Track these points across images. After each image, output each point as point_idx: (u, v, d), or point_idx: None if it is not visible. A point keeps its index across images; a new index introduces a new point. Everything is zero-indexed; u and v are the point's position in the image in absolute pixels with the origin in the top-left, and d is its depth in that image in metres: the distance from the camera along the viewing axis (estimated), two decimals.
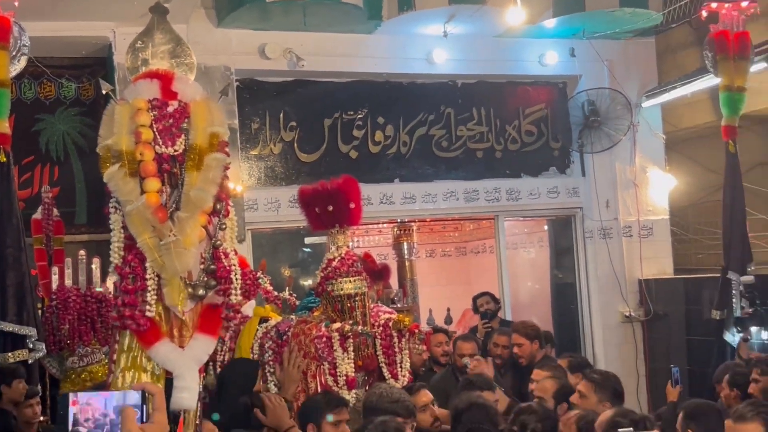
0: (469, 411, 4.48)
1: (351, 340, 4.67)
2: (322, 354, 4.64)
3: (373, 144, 8.84)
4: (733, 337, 6.90)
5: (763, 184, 9.73)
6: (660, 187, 9.59)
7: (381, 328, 4.86)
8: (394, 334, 4.83)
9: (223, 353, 4.77)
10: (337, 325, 4.72)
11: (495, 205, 9.31)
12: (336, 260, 4.86)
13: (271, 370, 4.73)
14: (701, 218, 10.61)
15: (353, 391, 4.66)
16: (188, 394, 3.52)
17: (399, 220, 10.16)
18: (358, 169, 8.21)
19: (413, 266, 10.52)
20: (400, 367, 4.87)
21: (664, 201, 9.65)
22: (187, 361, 3.55)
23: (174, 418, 3.58)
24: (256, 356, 4.78)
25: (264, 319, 4.95)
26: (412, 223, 10.45)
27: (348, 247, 4.94)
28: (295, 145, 8.58)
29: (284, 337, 4.75)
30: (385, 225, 11.22)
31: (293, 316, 5.03)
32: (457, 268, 13.06)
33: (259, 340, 4.80)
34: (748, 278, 6.97)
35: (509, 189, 9.32)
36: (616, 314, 9.38)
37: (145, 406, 1.85)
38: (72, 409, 1.81)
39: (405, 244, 10.41)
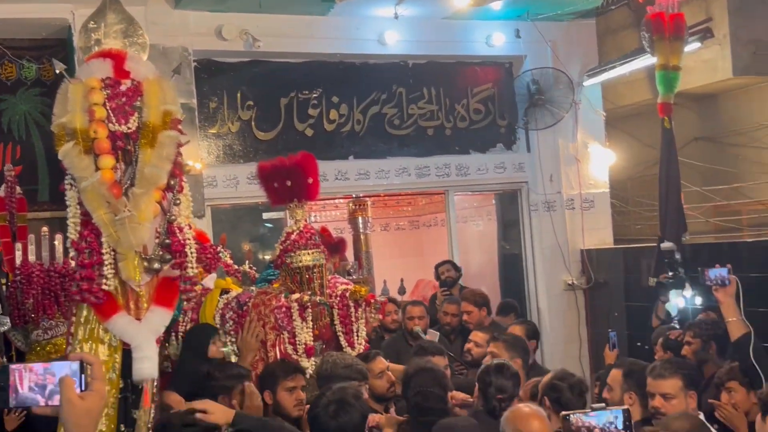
0: (418, 375, 4.53)
1: (309, 310, 4.69)
2: (282, 324, 4.66)
3: (328, 122, 8.81)
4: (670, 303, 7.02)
5: (697, 157, 9.91)
6: (600, 162, 9.69)
7: (338, 298, 4.92)
8: (351, 304, 4.89)
9: (185, 324, 4.77)
10: (296, 295, 4.74)
11: (445, 180, 9.33)
12: (294, 233, 4.91)
13: (232, 339, 4.72)
14: (639, 191, 10.76)
15: (312, 359, 4.70)
16: (149, 364, 3.52)
17: (354, 196, 10.16)
18: (314, 147, 8.17)
19: (368, 239, 10.53)
20: (357, 335, 4.93)
21: (604, 175, 9.74)
22: (144, 333, 3.55)
23: (136, 387, 3.60)
24: (217, 326, 4.76)
25: (225, 291, 4.94)
26: (367, 199, 10.46)
27: (306, 221, 5.00)
28: (253, 123, 8.53)
29: (245, 308, 4.74)
30: (341, 200, 11.25)
31: (253, 288, 5.02)
32: (411, 241, 13.11)
33: (220, 311, 4.78)
34: (668, 245, 7.08)
35: (458, 165, 9.35)
36: (559, 283, 9.49)
37: (83, 376, 1.84)
38: (12, 379, 1.80)
39: (360, 218, 10.39)
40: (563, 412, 3.07)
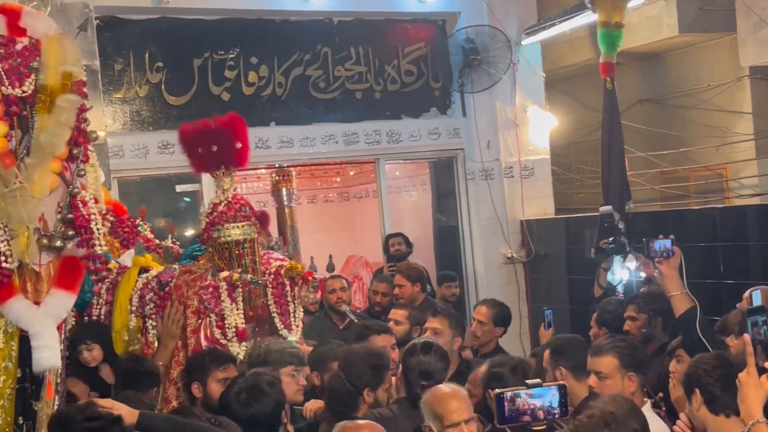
0: (345, 360, 4.52)
1: (240, 290, 4.60)
2: (209, 305, 4.57)
3: (247, 85, 8.67)
4: (612, 275, 7.13)
5: (642, 121, 10.06)
6: (540, 127, 9.73)
7: (272, 276, 4.76)
8: (287, 282, 4.75)
9: (99, 307, 4.68)
10: (225, 273, 4.62)
11: (375, 147, 9.28)
12: (222, 204, 4.75)
13: (153, 323, 4.66)
14: (582, 157, 10.91)
15: (243, 343, 4.60)
16: (49, 353, 3.40)
17: (277, 166, 10.08)
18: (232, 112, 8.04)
19: (293, 213, 10.48)
20: (294, 317, 4.80)
21: (544, 141, 9.79)
22: (43, 319, 3.41)
23: (36, 378, 3.51)
24: (135, 309, 4.68)
25: (144, 270, 4.83)
26: (291, 169, 10.39)
27: (235, 190, 4.84)
28: (163, 87, 8.34)
29: (166, 288, 4.66)
30: (263, 171, 11.14)
31: (176, 266, 4.92)
32: (340, 214, 13.09)
33: (138, 292, 4.69)
34: (606, 208, 7.18)
35: (389, 131, 9.31)
36: (498, 256, 9.55)
37: None
38: None
39: (284, 190, 10.35)
40: (496, 390, 3.04)
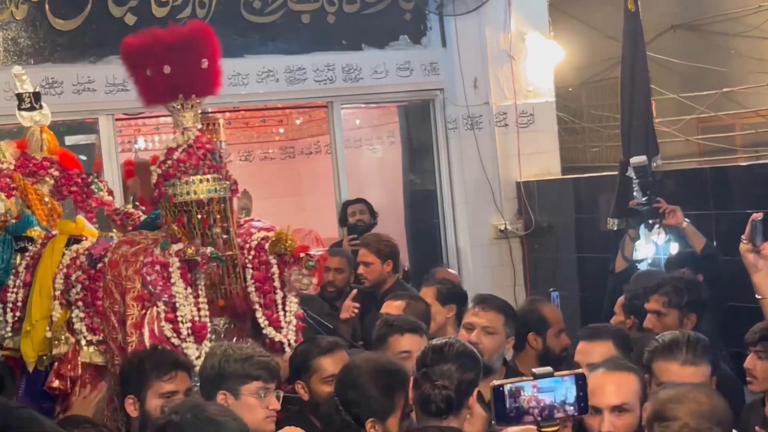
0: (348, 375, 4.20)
1: (200, 270, 4.30)
2: (154, 290, 4.32)
3: (158, 5, 8.59)
4: (635, 251, 7.13)
5: (674, 53, 10.02)
6: (543, 61, 9.71)
7: (253, 252, 4.49)
8: (273, 262, 4.45)
9: (15, 290, 4.62)
10: (178, 245, 4.32)
11: (328, 87, 9.25)
12: (180, 150, 4.42)
13: (80, 314, 4.49)
14: (596, 101, 10.88)
15: (203, 344, 4.34)
16: None
17: (199, 112, 9.96)
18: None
19: None
20: (283, 309, 4.52)
21: (548, 79, 9.78)
22: None
23: None
24: (60, 294, 4.53)
25: (75, 240, 4.63)
26: (218, 115, 10.28)
27: (198, 129, 4.53)
28: (47, 6, 8.24)
29: (99, 266, 4.46)
30: None
31: (113, 234, 4.71)
32: (284, 175, 13.12)
33: (64, 270, 4.54)
34: (640, 159, 7.16)
35: (347, 66, 9.28)
36: (487, 228, 9.55)
37: None
38: None
39: None
40: (494, 382, 3.02)
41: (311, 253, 4.44)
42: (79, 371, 4.54)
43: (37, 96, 5.53)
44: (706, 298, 5.62)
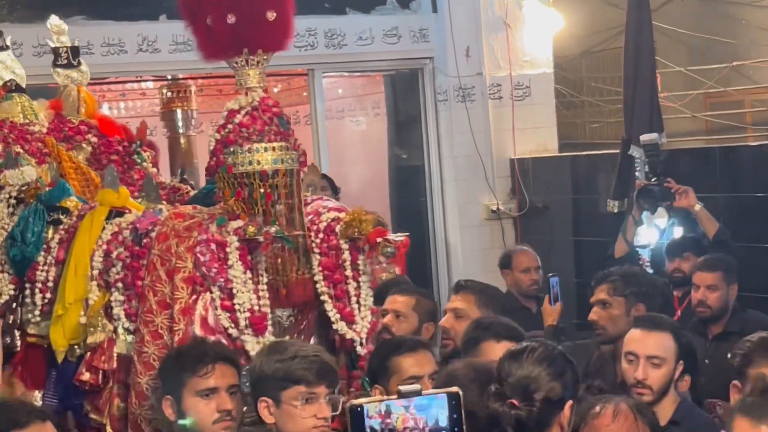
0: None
1: (262, 251, 4.00)
2: (208, 272, 4.01)
3: None
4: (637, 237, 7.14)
5: (681, 23, 10.01)
6: (541, 29, 9.71)
7: (322, 234, 4.19)
8: (344, 247, 4.14)
9: (46, 268, 4.36)
10: (238, 222, 4.01)
11: (309, 54, 9.24)
12: (243, 113, 4.24)
13: (120, 297, 4.20)
14: (597, 73, 10.87)
15: (264, 337, 4.02)
16: None
17: (169, 77, 9.98)
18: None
19: (192, 144, 10.41)
20: (358, 301, 4.18)
21: (546, 49, 9.80)
22: None
23: None
24: (98, 274, 4.24)
25: (118, 212, 4.35)
26: (190, 82, 10.30)
27: (264, 90, 4.34)
28: None
29: (144, 241, 4.16)
30: (149, 84, 11.02)
31: (162, 206, 4.42)
32: None
33: (104, 246, 4.24)
34: (651, 137, 7.16)
35: (329, 31, 9.28)
36: (478, 208, 9.57)
37: None
38: None
39: (179, 111, 10.33)
40: (351, 402, 2.82)
41: (390, 237, 4.08)
42: (114, 364, 4.22)
43: (75, 51, 5.29)
44: (655, 290, 5.71)
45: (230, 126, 4.21)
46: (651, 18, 7.74)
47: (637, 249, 7.08)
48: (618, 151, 7.59)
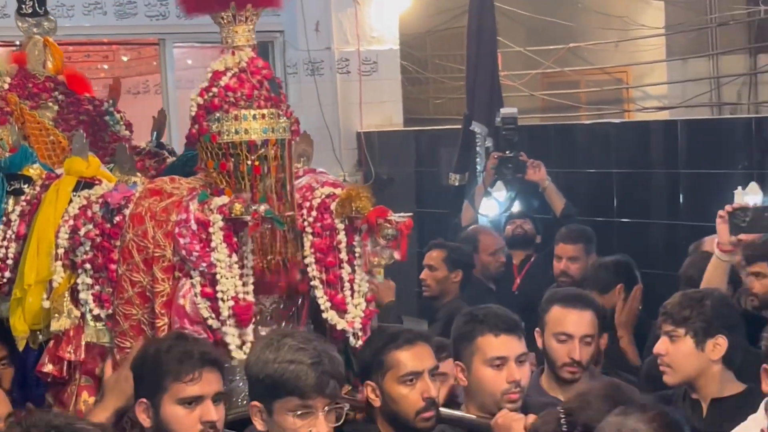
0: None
1: (249, 232, 3.48)
2: (189, 256, 3.48)
3: None
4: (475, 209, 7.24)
5: (520, 4, 10.22)
6: (389, 7, 9.77)
7: (315, 212, 3.65)
8: (340, 227, 3.62)
9: (5, 243, 3.81)
10: (222, 199, 3.50)
11: (160, 24, 9.18)
12: (229, 75, 3.65)
13: (87, 280, 3.63)
14: (441, 51, 11.02)
15: (249, 329, 3.54)
16: None
17: (18, 43, 9.74)
18: None
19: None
20: (352, 290, 3.67)
21: (393, 26, 9.85)
22: None
23: None
24: (63, 251, 3.67)
25: (87, 183, 3.79)
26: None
27: (253, 50, 3.75)
28: None
29: (116, 219, 3.60)
30: None
31: (137, 179, 3.84)
32: None
33: (71, 221, 3.66)
34: (510, 110, 7.24)
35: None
36: None
37: None
38: None
39: None
40: None
41: (391, 218, 3.56)
42: (82, 354, 3.67)
43: None
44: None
45: (215, 89, 3.62)
46: None
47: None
48: (460, 126, 7.66)
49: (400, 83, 10.03)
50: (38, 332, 3.73)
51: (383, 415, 3.57)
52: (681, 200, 7.20)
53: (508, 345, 3.65)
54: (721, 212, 4.46)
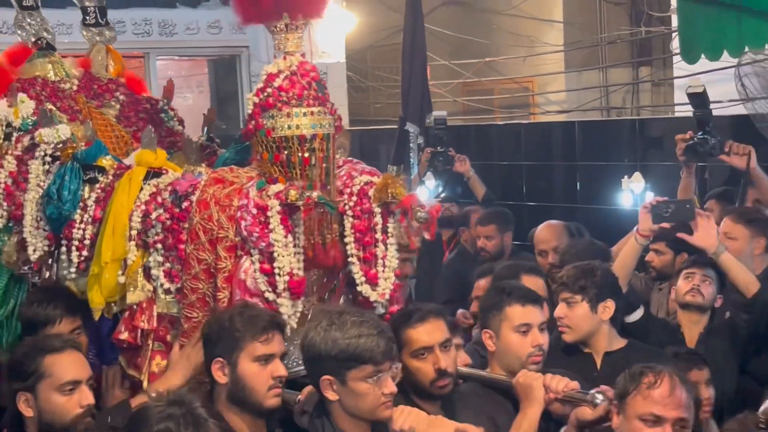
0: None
1: (301, 215, 3.36)
2: (250, 236, 3.35)
3: None
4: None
5: (446, 25, 10.33)
6: (336, 26, 9.80)
7: (355, 197, 3.52)
8: (377, 210, 3.49)
9: (83, 226, 3.62)
10: (279, 186, 3.38)
11: (145, 40, 9.17)
12: (282, 76, 3.50)
13: (159, 258, 3.49)
14: (380, 63, 11.10)
15: (300, 301, 3.43)
16: None
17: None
18: None
19: None
20: (383, 264, 3.53)
21: (340, 43, 9.88)
22: None
23: None
24: (135, 232, 3.54)
25: (155, 173, 3.66)
26: None
27: (302, 55, 3.59)
28: None
29: (184, 204, 3.46)
30: None
31: (201, 168, 3.70)
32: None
33: (142, 206, 3.52)
34: (441, 113, 7.33)
35: (162, 21, 9.20)
36: None
37: None
38: None
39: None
40: None
41: (421, 203, 3.47)
42: (155, 323, 3.56)
43: (102, 11, 4.54)
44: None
45: (269, 90, 3.48)
46: (423, 21, 7.90)
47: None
48: (396, 126, 7.67)
49: (346, 90, 10.08)
50: (112, 304, 3.63)
51: (406, 385, 3.40)
52: (578, 187, 7.36)
53: (533, 314, 3.57)
54: (645, 204, 4.46)
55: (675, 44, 7.16)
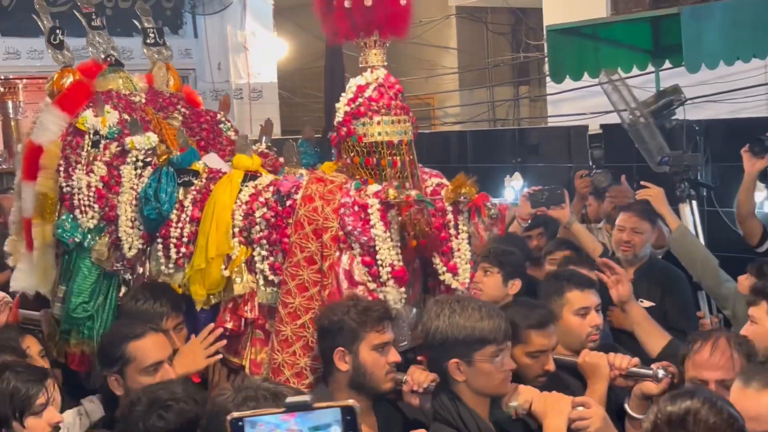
0: None
1: (395, 212, 3.12)
2: (353, 231, 3.12)
3: None
4: None
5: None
6: (269, 52, 9.77)
7: (430, 197, 3.41)
8: (449, 208, 3.28)
9: (180, 224, 3.33)
10: (376, 186, 3.17)
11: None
12: (371, 88, 3.28)
13: (263, 253, 3.21)
14: (307, 83, 11.04)
15: (403, 289, 3.16)
16: (20, 275, 3.21)
17: (3, 77, 9.49)
18: None
19: (20, 126, 9.89)
20: (460, 258, 3.32)
21: (273, 65, 9.86)
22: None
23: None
24: (238, 230, 3.25)
25: (252, 176, 3.40)
26: (18, 81, 9.81)
27: (387, 68, 3.35)
28: None
29: (288, 202, 3.22)
30: None
31: (302, 172, 3.43)
32: None
33: (244, 206, 3.26)
34: None
35: (122, 48, 8.88)
36: None
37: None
38: None
39: (10, 102, 9.80)
40: (233, 414, 1.56)
41: (493, 202, 3.27)
42: (256, 313, 3.29)
43: (160, 32, 4.27)
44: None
45: (360, 100, 3.26)
46: (342, 47, 7.88)
47: None
48: (320, 136, 7.70)
49: (278, 106, 10.03)
50: (211, 296, 3.33)
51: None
52: None
53: (591, 298, 3.37)
54: (524, 192, 4.50)
55: (547, 67, 7.24)
